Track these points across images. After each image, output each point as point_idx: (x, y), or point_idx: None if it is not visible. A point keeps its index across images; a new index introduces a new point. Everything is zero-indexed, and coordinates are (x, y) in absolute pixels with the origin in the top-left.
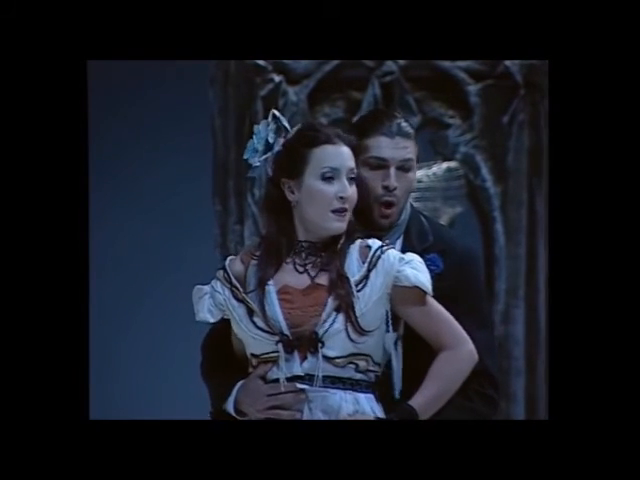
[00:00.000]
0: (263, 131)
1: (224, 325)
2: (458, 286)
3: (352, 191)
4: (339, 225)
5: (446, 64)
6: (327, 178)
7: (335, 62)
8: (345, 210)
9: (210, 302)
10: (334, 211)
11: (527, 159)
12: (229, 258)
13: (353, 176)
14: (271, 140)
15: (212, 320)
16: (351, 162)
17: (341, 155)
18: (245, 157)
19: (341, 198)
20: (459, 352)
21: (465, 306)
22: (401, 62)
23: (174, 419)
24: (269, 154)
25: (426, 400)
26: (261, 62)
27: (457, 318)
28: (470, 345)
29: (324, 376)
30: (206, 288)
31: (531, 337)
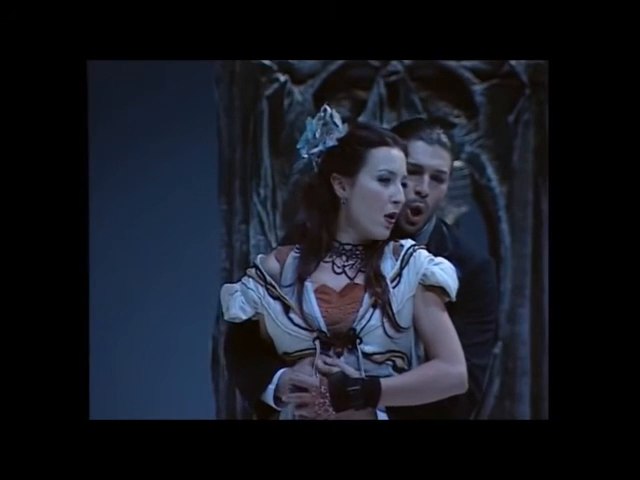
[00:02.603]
0: (314, 124)
1: (248, 323)
2: (470, 295)
3: (404, 197)
4: (385, 232)
5: (451, 64)
6: (383, 180)
7: (340, 62)
8: (395, 215)
9: (242, 299)
10: (387, 216)
11: (532, 158)
12: (259, 256)
13: (405, 182)
14: (317, 135)
15: (244, 317)
16: (405, 169)
17: (398, 159)
18: (298, 147)
19: (395, 202)
20: (449, 366)
21: (472, 316)
22: (406, 62)
23: (174, 419)
24: (318, 148)
25: (396, 385)
26: (266, 62)
27: (461, 327)
28: (463, 368)
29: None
30: (236, 286)
31: (537, 337)
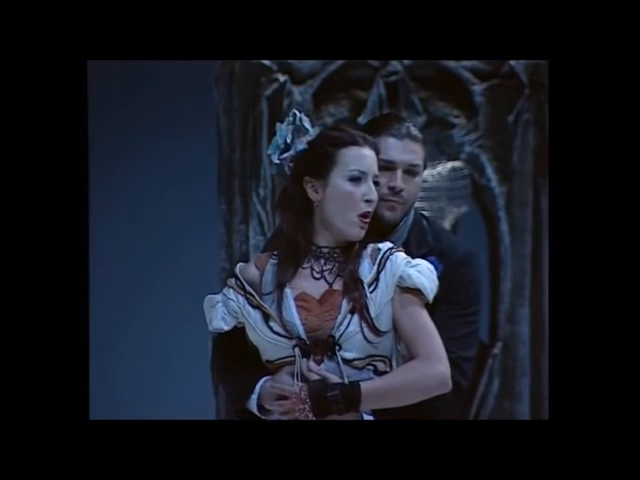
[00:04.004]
0: (284, 130)
1: (233, 332)
2: (453, 288)
3: (376, 196)
4: (360, 233)
5: (451, 64)
6: (355, 179)
7: (340, 62)
8: (369, 215)
9: (223, 310)
10: (361, 215)
11: (532, 158)
12: (239, 265)
13: (377, 180)
14: (289, 140)
15: (226, 328)
16: (376, 167)
17: (368, 158)
18: (268, 152)
19: (367, 201)
20: (430, 367)
21: (455, 309)
22: (406, 62)
23: (174, 419)
24: (289, 153)
25: (375, 388)
26: (266, 62)
27: (445, 320)
28: (444, 367)
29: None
30: (218, 297)
31: (537, 337)
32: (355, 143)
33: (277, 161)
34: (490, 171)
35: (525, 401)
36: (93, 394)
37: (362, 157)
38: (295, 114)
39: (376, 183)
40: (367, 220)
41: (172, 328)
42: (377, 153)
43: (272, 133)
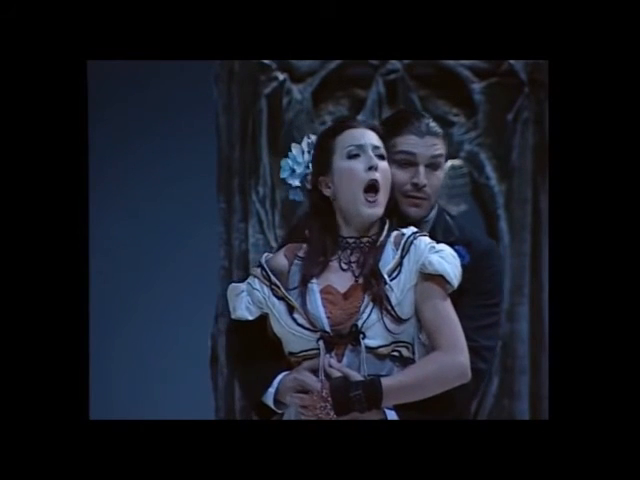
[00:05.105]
0: (298, 156)
1: (254, 322)
2: (479, 278)
3: (383, 166)
4: (372, 211)
5: (450, 62)
6: (353, 156)
7: (339, 60)
8: (376, 185)
9: (248, 300)
10: (367, 189)
11: (531, 157)
12: (265, 255)
13: (380, 154)
14: (310, 167)
15: (250, 318)
16: (375, 140)
17: (364, 134)
18: (283, 177)
19: (370, 168)
20: (450, 358)
21: (479, 299)
22: (405, 60)
23: (174, 419)
24: (305, 172)
25: (396, 384)
26: (265, 60)
27: (470, 310)
28: (463, 358)
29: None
30: (242, 286)
31: (536, 335)
32: (350, 127)
33: (298, 184)
34: (489, 169)
35: (524, 399)
36: (93, 394)
37: (356, 135)
38: (311, 144)
39: (381, 157)
40: (373, 199)
41: (172, 327)
42: (377, 133)
43: (272, 131)
